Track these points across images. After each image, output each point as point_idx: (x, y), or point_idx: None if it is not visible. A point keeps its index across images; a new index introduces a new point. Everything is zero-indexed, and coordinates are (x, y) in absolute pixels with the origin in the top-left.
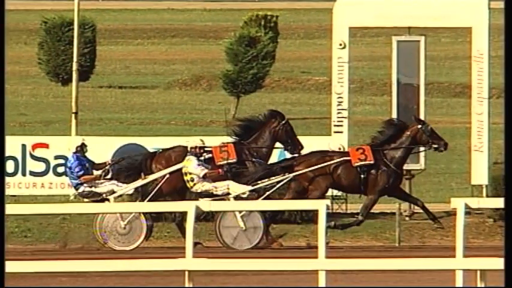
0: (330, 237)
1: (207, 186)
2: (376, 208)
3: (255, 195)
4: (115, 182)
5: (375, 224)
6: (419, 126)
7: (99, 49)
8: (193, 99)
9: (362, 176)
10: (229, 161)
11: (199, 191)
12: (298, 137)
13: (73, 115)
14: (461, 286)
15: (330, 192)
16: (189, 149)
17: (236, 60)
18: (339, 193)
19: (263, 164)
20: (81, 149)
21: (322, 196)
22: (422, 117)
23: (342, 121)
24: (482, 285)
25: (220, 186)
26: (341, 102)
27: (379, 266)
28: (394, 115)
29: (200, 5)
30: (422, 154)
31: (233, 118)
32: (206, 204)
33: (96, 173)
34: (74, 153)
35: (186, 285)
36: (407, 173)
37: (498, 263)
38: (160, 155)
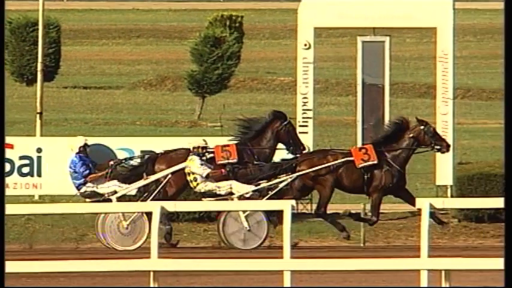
0: (295, 237)
1: (210, 186)
2: (340, 208)
3: (257, 195)
4: (117, 182)
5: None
6: (422, 127)
7: (64, 49)
8: (158, 100)
9: (366, 176)
10: (230, 160)
11: (202, 191)
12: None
13: (38, 115)
14: (426, 286)
15: None
16: (191, 148)
17: (201, 60)
18: None
19: (265, 164)
20: (84, 149)
21: (330, 196)
22: (386, 117)
23: (307, 121)
24: (447, 285)
25: (223, 186)
26: (306, 102)
27: (344, 266)
28: (359, 115)
29: (165, 5)
30: None
31: (198, 118)
32: (171, 205)
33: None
34: (77, 153)
35: (151, 285)
36: None
37: (462, 263)
38: (162, 156)
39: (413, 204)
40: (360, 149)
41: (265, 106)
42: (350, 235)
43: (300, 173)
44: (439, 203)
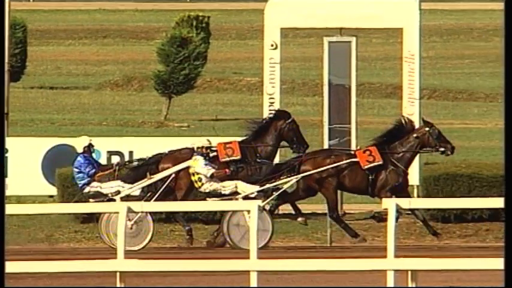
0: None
1: (215, 186)
2: (308, 208)
3: (262, 195)
4: (120, 182)
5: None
6: (427, 128)
7: (30, 50)
8: (124, 100)
9: (370, 177)
10: (233, 158)
11: (207, 190)
12: (230, 138)
13: (4, 116)
14: (393, 286)
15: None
16: (195, 148)
17: (168, 60)
18: None
19: (270, 163)
20: (89, 149)
21: (336, 198)
22: (353, 118)
23: None
24: (413, 285)
25: (229, 186)
26: (273, 103)
27: (310, 266)
28: (326, 116)
29: (132, 5)
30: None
31: (165, 118)
32: (138, 206)
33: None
34: (82, 153)
35: (118, 286)
36: None
37: (429, 263)
38: (167, 157)
39: (413, 212)
40: (364, 151)
41: (231, 106)
42: (365, 238)
43: (304, 174)
44: (406, 203)
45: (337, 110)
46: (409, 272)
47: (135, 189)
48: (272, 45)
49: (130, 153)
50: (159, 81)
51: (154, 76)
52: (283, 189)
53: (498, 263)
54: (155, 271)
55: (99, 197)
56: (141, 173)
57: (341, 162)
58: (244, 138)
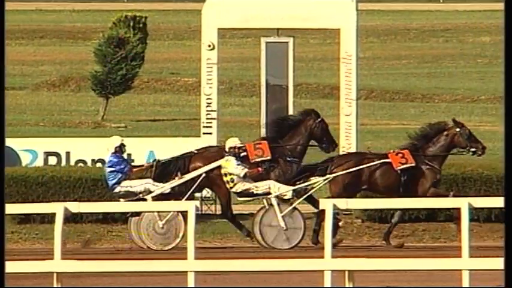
0: (200, 237)
1: (247, 185)
2: (245, 209)
3: (294, 195)
4: (150, 181)
5: (244, 225)
6: (458, 129)
7: None
8: (61, 101)
9: (403, 178)
10: (264, 158)
11: (239, 190)
12: (167, 138)
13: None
14: (330, 286)
15: (200, 193)
16: (227, 149)
17: (105, 61)
18: (208, 194)
19: (300, 162)
20: (120, 149)
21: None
22: None
23: (211, 122)
24: (351, 285)
25: (262, 186)
26: (210, 103)
27: (248, 267)
28: (263, 116)
29: (69, 5)
30: None
31: (102, 119)
32: (75, 206)
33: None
34: (113, 153)
35: (55, 286)
36: None
37: (365, 264)
38: (196, 156)
39: None
40: (397, 153)
41: (169, 107)
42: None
43: (334, 174)
44: (343, 203)
45: (274, 111)
46: (346, 272)
47: (166, 188)
48: (209, 46)
49: (68, 154)
50: (96, 81)
51: (91, 76)
52: (315, 189)
53: (435, 263)
54: (92, 272)
55: (130, 196)
56: (171, 172)
57: (374, 163)
58: (272, 136)
